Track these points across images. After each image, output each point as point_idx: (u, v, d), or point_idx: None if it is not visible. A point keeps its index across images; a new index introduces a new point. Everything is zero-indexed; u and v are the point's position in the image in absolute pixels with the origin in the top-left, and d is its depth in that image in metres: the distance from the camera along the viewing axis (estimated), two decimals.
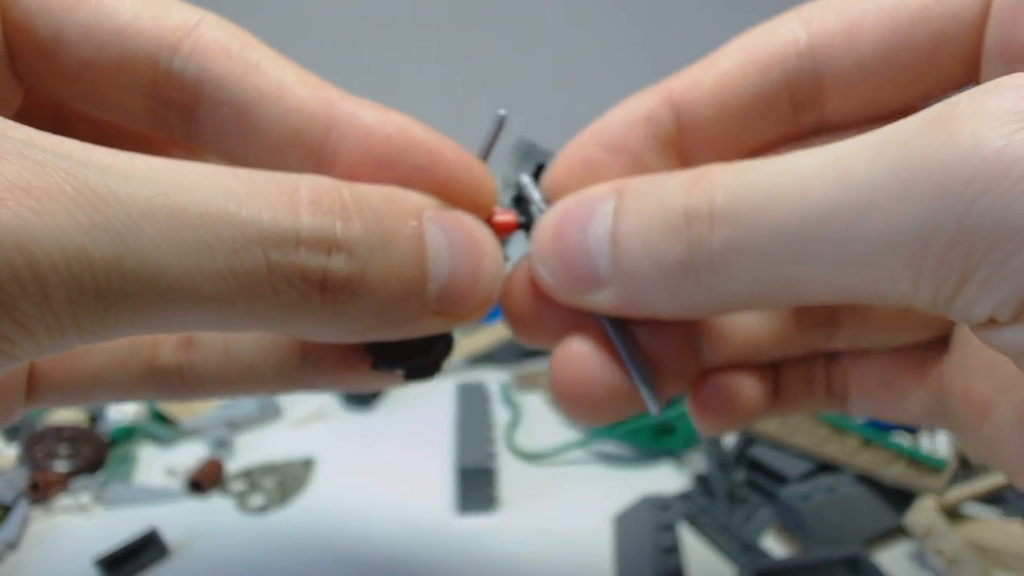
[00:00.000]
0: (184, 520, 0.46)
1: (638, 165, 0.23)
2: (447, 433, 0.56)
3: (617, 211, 0.20)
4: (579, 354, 0.22)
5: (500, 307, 0.24)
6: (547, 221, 0.22)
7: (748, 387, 0.26)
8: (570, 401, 0.23)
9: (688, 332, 0.24)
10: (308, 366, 0.25)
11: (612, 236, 0.20)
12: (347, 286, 0.18)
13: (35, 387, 0.24)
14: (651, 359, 0.23)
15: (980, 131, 0.14)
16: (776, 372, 0.27)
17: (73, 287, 0.14)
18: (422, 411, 0.60)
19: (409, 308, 0.20)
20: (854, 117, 0.22)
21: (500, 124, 0.23)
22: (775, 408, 0.27)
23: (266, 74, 0.22)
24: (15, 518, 0.45)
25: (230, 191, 0.17)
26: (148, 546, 0.42)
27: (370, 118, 0.22)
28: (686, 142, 0.23)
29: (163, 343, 0.25)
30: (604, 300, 0.21)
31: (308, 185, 0.18)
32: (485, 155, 0.24)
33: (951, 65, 0.21)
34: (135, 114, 0.23)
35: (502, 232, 0.23)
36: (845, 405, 0.27)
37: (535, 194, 0.24)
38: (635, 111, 0.23)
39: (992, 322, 0.15)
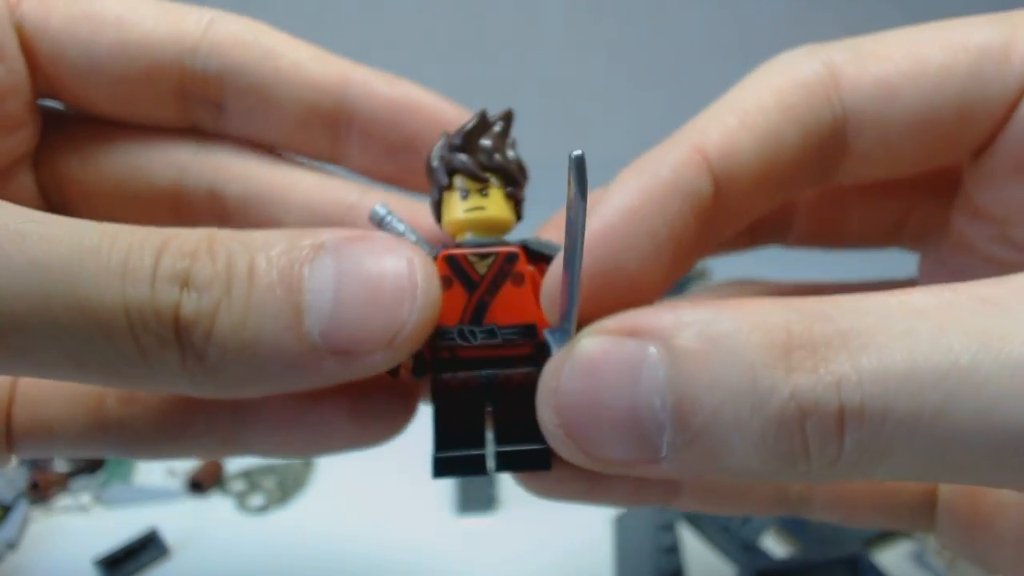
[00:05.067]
0: (184, 520, 0.46)
1: (666, 247, 0.19)
2: None
3: (675, 372, 0.15)
4: None
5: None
6: (569, 381, 0.17)
7: None
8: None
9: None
10: (238, 423, 0.24)
11: (675, 407, 0.15)
12: (197, 322, 0.17)
13: (11, 437, 0.24)
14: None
15: None
16: None
17: None
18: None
19: (285, 347, 0.18)
20: (869, 176, 0.22)
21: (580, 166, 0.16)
22: None
23: (282, 56, 0.24)
24: (15, 518, 0.45)
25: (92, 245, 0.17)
26: (148, 546, 0.42)
27: (380, 85, 0.24)
28: (716, 208, 0.20)
29: (107, 396, 0.24)
30: (659, 473, 0.16)
31: (180, 236, 0.18)
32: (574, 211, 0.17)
33: (974, 138, 0.20)
34: (168, 115, 0.25)
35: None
36: None
37: (405, 231, 0.22)
38: (666, 185, 0.19)
39: None
